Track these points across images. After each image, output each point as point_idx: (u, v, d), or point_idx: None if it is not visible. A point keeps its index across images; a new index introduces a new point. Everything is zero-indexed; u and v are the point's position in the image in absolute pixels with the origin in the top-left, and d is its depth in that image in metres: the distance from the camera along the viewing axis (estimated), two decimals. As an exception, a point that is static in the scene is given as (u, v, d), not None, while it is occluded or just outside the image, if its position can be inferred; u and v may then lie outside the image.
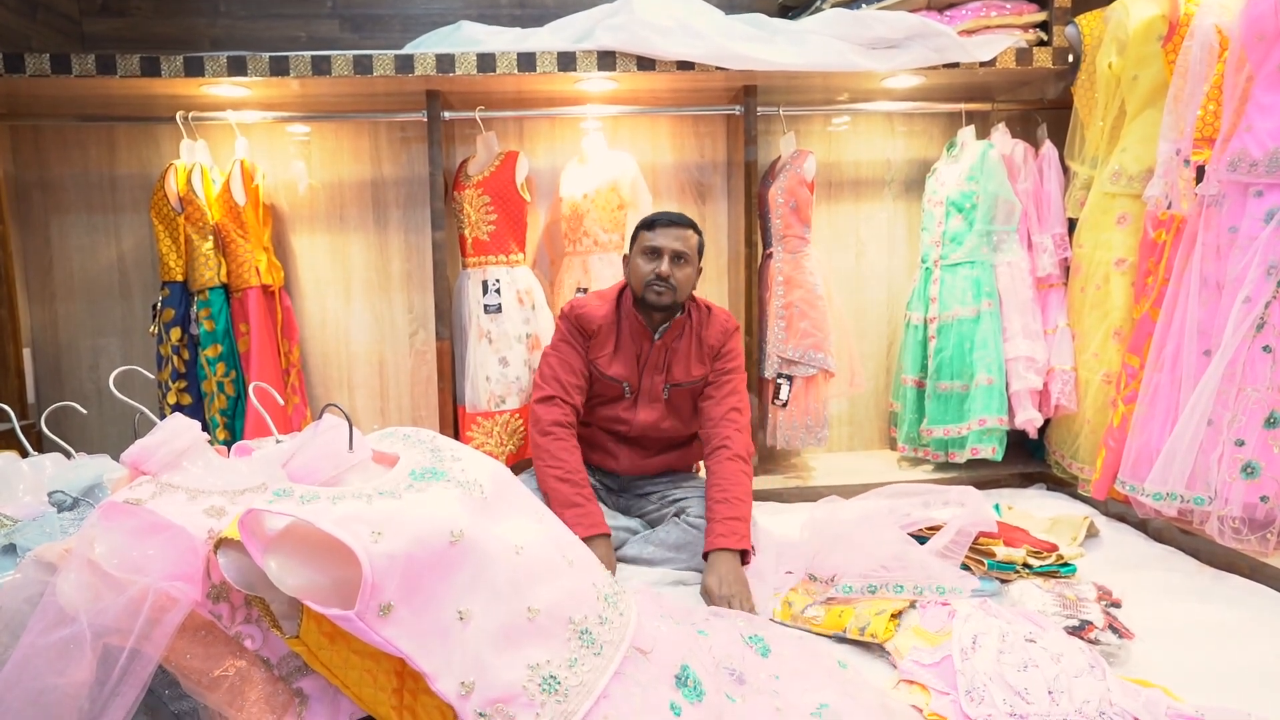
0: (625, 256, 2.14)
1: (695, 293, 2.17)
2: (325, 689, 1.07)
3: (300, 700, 1.06)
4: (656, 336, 2.08)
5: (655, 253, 2.01)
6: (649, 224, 2.05)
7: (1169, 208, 2.10)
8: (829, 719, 1.25)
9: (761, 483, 2.73)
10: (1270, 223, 1.85)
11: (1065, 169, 2.65)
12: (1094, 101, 2.46)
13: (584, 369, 2.09)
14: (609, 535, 1.93)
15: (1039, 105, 2.83)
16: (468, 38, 2.61)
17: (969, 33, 2.58)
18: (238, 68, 2.43)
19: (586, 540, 1.85)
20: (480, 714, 1.01)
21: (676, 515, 2.05)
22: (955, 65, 2.57)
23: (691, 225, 2.06)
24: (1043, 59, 2.61)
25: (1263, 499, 1.84)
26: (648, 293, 2.01)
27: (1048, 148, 2.69)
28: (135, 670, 0.95)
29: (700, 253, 2.09)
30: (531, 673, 1.07)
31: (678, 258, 2.01)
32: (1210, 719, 1.25)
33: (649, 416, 2.13)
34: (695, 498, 2.12)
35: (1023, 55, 2.60)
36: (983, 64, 2.57)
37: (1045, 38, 2.63)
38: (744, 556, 1.87)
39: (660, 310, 2.04)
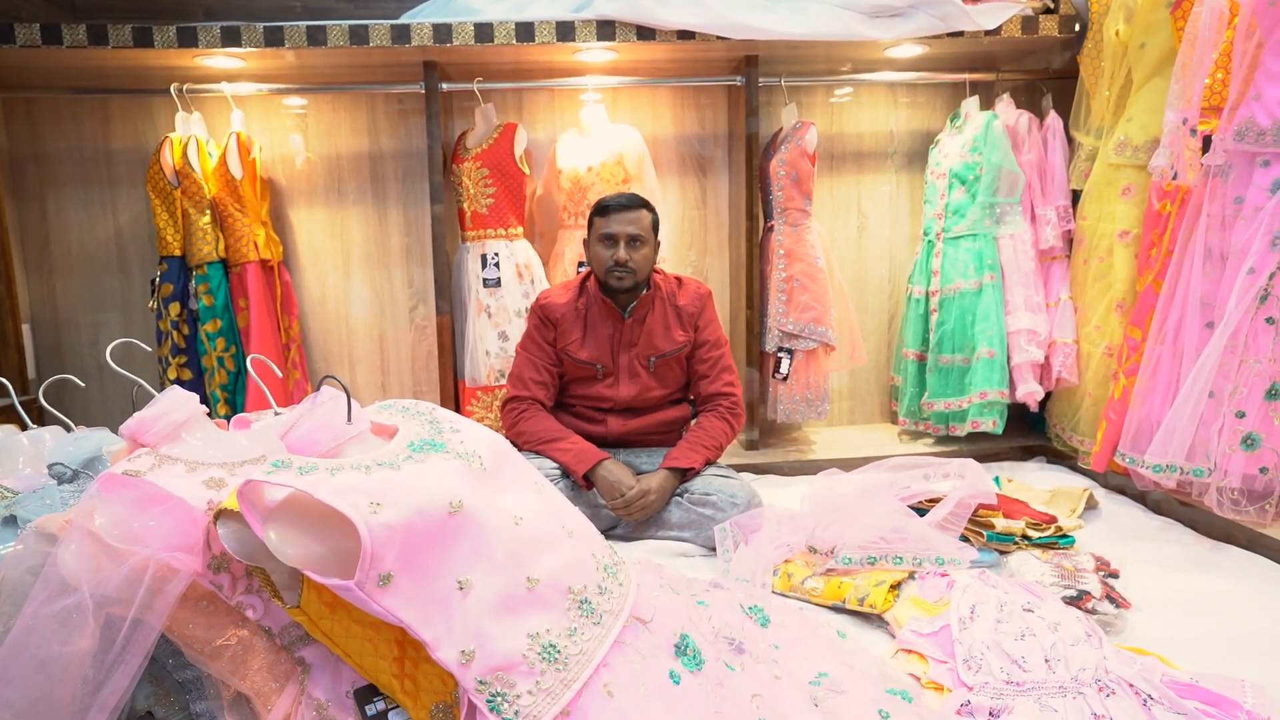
0: (585, 241, 2.18)
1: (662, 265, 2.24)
2: (327, 658, 1.07)
3: (302, 669, 1.06)
4: (627, 315, 2.14)
5: (611, 239, 2.07)
6: (601, 210, 2.10)
7: (1174, 178, 2.08)
8: (828, 688, 1.26)
9: (761, 456, 2.74)
10: (1277, 193, 1.83)
11: (1070, 140, 2.62)
12: (1100, 70, 2.42)
13: (552, 361, 2.18)
14: (609, 457, 2.06)
15: (1044, 75, 2.79)
16: (465, 7, 2.58)
17: (974, 0, 2.54)
18: (231, 38, 2.40)
19: (593, 470, 2.00)
20: (481, 682, 1.02)
21: (679, 495, 2.06)
22: (960, 34, 2.53)
23: (644, 204, 2.10)
24: (1049, 27, 2.56)
25: (1262, 470, 1.84)
26: (609, 278, 2.08)
27: (1053, 118, 2.65)
28: (138, 640, 0.96)
29: (656, 229, 2.14)
30: (531, 641, 1.08)
31: (633, 241, 2.07)
32: (1205, 686, 1.26)
33: (631, 390, 2.18)
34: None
35: (1028, 23, 2.56)
36: (988, 32, 2.53)
37: (1052, 5, 2.59)
38: (686, 473, 2.08)
39: (625, 293, 2.10)
